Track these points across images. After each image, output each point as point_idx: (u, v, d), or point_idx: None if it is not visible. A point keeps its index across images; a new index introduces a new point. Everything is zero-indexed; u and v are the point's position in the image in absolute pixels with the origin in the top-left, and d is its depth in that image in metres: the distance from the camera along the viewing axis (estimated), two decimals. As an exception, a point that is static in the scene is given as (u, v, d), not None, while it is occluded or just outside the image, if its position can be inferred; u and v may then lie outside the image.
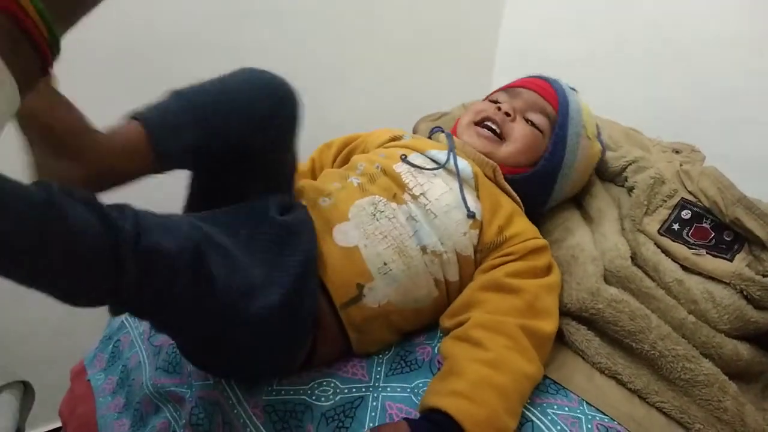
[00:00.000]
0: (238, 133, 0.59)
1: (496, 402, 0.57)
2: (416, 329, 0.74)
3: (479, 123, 0.86)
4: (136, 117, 0.56)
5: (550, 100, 0.86)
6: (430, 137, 0.91)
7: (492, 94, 0.94)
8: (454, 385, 0.58)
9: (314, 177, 0.94)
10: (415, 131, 1.10)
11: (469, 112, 0.89)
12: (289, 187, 0.72)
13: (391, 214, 0.70)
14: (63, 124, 0.51)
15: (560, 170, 0.85)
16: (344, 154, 0.94)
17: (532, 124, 0.85)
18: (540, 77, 0.91)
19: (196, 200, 0.69)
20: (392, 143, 0.86)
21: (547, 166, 0.85)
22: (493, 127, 0.84)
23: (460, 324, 0.67)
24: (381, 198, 0.71)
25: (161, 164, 0.58)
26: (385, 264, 0.67)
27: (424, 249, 0.69)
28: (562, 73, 0.96)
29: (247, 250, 0.59)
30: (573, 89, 0.91)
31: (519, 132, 0.84)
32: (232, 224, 0.61)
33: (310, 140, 1.04)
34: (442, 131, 0.88)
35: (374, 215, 0.69)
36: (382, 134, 0.89)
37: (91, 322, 1.02)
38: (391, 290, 0.67)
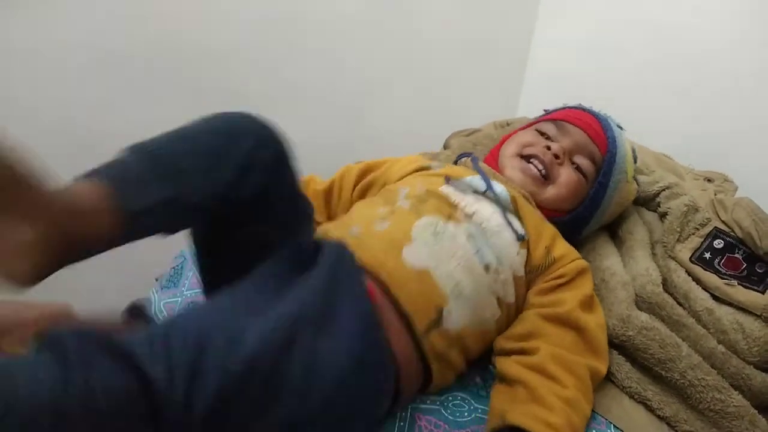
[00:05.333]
0: (214, 183, 0.52)
1: None
2: (481, 353, 0.72)
3: (525, 158, 0.83)
4: (90, 175, 0.48)
5: (599, 143, 0.83)
6: (455, 163, 0.89)
7: (538, 121, 0.90)
8: (547, 416, 0.59)
9: (329, 198, 0.89)
10: (446, 146, 1.11)
11: (513, 143, 0.86)
12: (306, 231, 0.66)
13: (452, 234, 0.68)
14: (7, 174, 0.42)
15: (595, 215, 0.85)
16: (364, 184, 0.88)
17: (579, 168, 0.82)
18: (591, 112, 0.87)
19: (210, 270, 0.64)
20: (421, 173, 0.82)
21: (584, 212, 0.84)
22: (540, 167, 0.81)
23: (523, 350, 0.67)
24: (437, 218, 0.69)
25: (129, 226, 0.48)
26: (457, 284, 0.65)
27: (487, 267, 0.68)
28: (589, 92, 0.97)
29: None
30: (620, 128, 0.88)
31: (565, 177, 0.82)
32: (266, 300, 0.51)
33: (345, 152, 1.05)
34: (470, 158, 0.85)
35: (436, 236, 0.67)
36: (408, 164, 0.85)
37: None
38: (465, 312, 0.65)
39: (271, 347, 0.45)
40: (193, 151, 0.53)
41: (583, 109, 0.88)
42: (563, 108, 0.92)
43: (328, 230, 0.72)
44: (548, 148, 0.82)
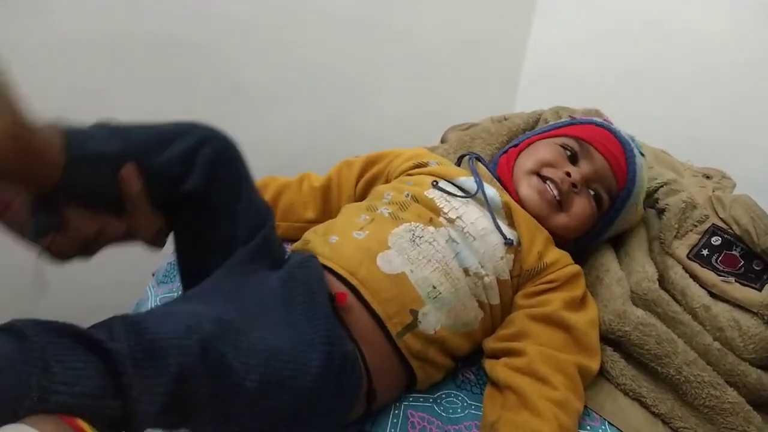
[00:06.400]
0: (159, 161, 0.54)
1: None
2: (469, 353, 0.72)
3: (541, 177, 0.79)
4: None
5: (619, 177, 0.81)
6: (459, 162, 0.88)
7: (562, 133, 0.85)
8: (537, 425, 0.59)
9: (327, 196, 0.90)
10: (443, 140, 1.10)
11: (532, 158, 0.81)
12: (260, 236, 0.63)
13: (431, 237, 0.68)
14: None
15: (595, 241, 0.84)
16: (368, 177, 0.88)
17: (594, 196, 0.80)
18: (617, 137, 0.83)
19: (186, 260, 0.65)
20: (418, 170, 0.82)
21: (588, 240, 0.83)
22: (555, 192, 0.78)
23: (511, 350, 0.68)
24: (417, 224, 0.70)
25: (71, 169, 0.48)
26: (434, 288, 0.65)
27: (466, 271, 0.68)
28: (586, 88, 0.97)
29: (263, 318, 0.54)
30: (642, 154, 0.84)
31: (578, 208, 0.79)
32: (234, 294, 0.56)
33: (342, 148, 1.04)
34: (470, 157, 0.83)
35: (413, 241, 0.68)
36: (408, 159, 0.85)
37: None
38: (442, 315, 0.66)
39: (217, 338, 0.46)
40: (146, 133, 0.56)
41: (610, 130, 0.84)
42: (590, 122, 0.87)
43: (309, 240, 0.72)
44: (568, 174, 0.78)
